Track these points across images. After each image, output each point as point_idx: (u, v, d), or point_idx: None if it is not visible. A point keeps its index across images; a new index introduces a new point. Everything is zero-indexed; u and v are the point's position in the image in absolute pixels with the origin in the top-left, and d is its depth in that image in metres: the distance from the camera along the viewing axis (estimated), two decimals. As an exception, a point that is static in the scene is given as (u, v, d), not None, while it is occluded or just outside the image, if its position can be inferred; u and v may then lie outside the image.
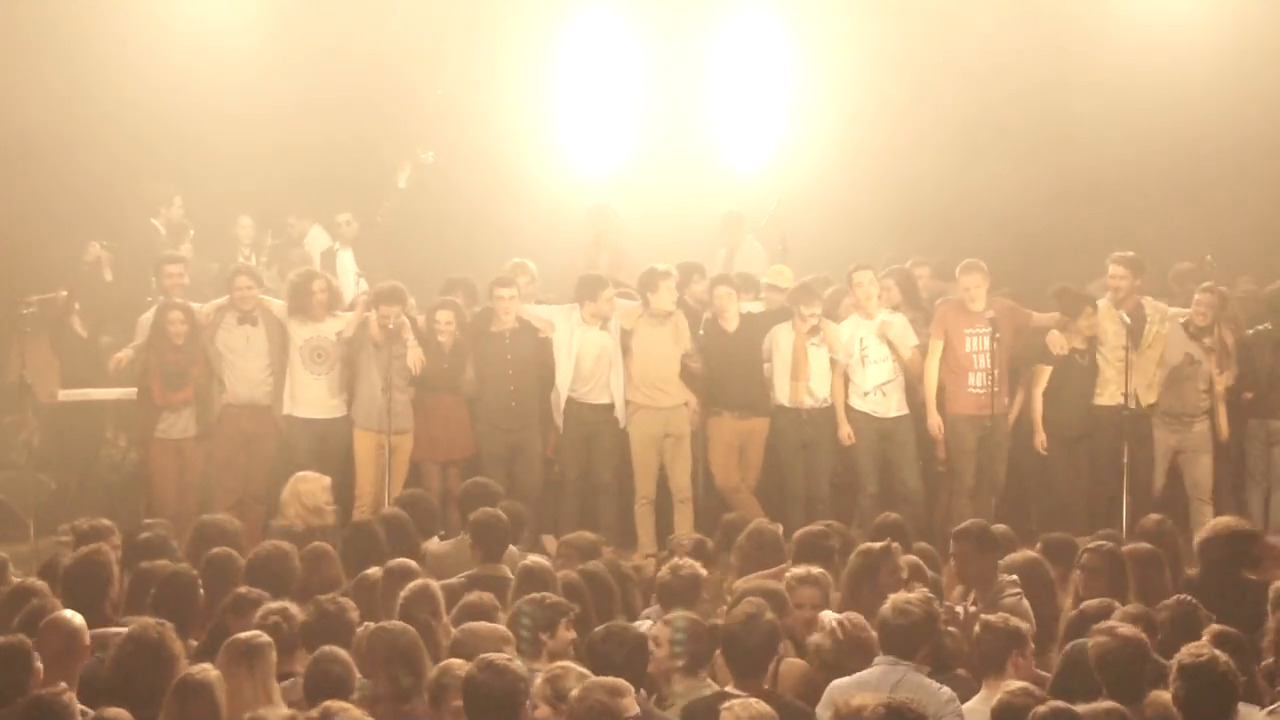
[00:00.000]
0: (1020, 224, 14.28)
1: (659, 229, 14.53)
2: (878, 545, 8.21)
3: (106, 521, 9.40)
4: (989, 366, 11.71)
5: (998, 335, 11.63)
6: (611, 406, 12.14)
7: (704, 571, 8.20)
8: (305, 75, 14.87)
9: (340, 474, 11.94)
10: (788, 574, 8.15)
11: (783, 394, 12.07)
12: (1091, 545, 8.45)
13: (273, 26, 15.02)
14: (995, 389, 11.72)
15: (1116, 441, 11.70)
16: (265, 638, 6.86)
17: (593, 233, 14.28)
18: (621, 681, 6.12)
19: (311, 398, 12.01)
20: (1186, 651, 6.40)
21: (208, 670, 6.48)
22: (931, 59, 14.98)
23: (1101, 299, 12.11)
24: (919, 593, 7.21)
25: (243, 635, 6.88)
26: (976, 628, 7.18)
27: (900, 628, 6.89)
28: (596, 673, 6.50)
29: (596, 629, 6.98)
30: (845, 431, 12.05)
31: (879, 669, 6.85)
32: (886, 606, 7.00)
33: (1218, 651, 6.38)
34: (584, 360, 12.07)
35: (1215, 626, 7.29)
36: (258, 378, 12.02)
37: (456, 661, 6.48)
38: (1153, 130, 14.55)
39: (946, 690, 6.78)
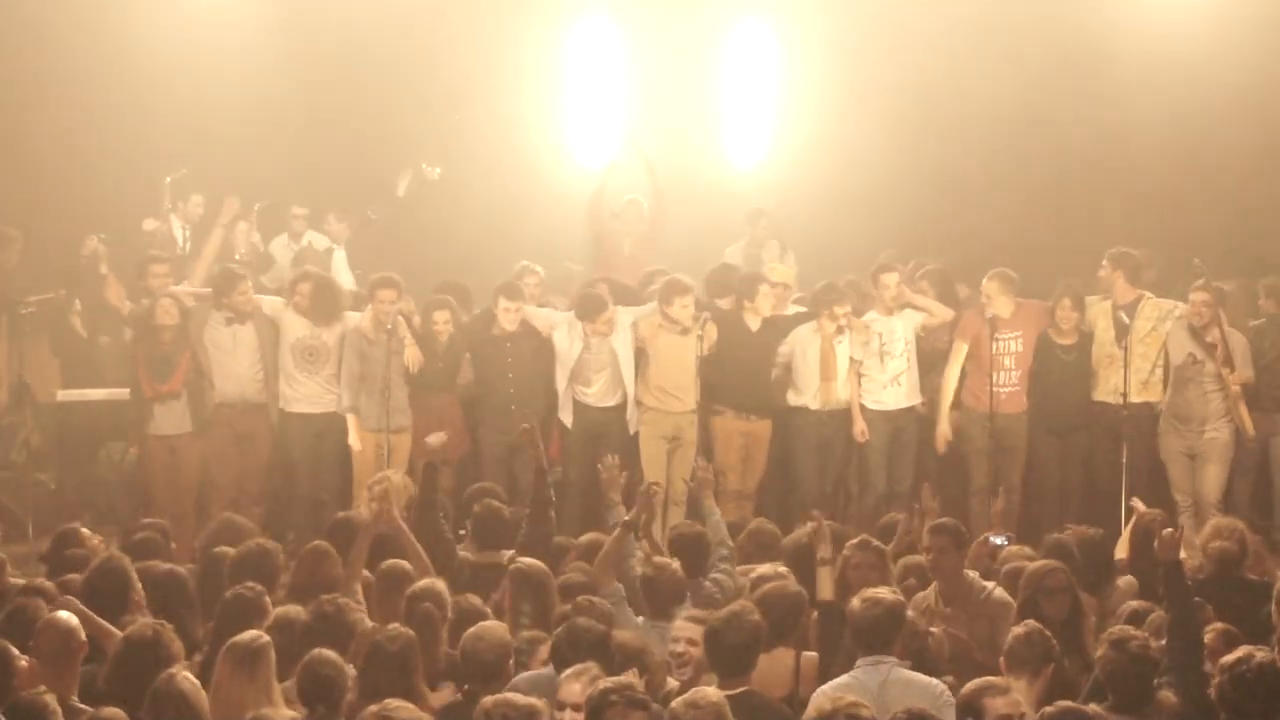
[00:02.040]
0: (1018, 222, 14.30)
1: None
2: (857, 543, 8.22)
3: (73, 525, 9.34)
4: (1012, 368, 11.85)
5: (1022, 338, 11.82)
6: (620, 408, 12.07)
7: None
8: (305, 75, 14.87)
9: (336, 471, 11.94)
10: (754, 571, 8.16)
11: (810, 396, 12.00)
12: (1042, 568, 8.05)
13: (272, 27, 14.99)
14: (1015, 388, 11.84)
15: (1110, 439, 11.65)
16: (265, 639, 6.79)
17: (621, 230, 14.25)
18: None
19: (307, 394, 11.89)
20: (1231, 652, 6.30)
21: (175, 677, 6.38)
22: (928, 59, 14.94)
23: (1095, 295, 12.05)
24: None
25: (243, 638, 6.78)
26: (1019, 629, 6.99)
27: (872, 619, 6.76)
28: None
29: (558, 630, 6.94)
30: (860, 428, 12.02)
31: (862, 670, 6.71)
32: (855, 601, 6.90)
33: (1257, 650, 6.25)
34: (587, 369, 12.02)
35: (1218, 625, 7.27)
36: (247, 375, 11.87)
37: (514, 696, 6.19)
38: (1151, 128, 14.54)
39: (938, 683, 6.67)
